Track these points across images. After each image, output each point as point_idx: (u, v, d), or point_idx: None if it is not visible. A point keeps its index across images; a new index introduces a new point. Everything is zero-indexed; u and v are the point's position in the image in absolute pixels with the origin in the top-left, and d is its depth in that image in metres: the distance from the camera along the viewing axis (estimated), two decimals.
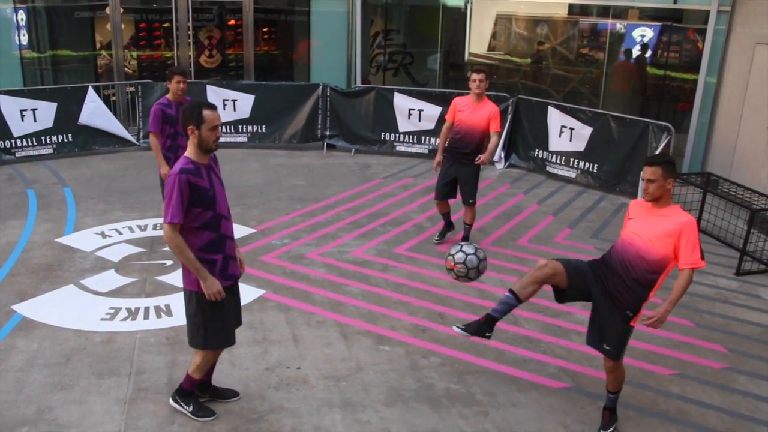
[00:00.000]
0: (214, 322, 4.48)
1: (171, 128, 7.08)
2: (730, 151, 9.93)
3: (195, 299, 4.43)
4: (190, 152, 4.35)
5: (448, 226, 8.06)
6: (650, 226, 4.47)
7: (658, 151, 9.59)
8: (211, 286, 4.32)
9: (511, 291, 4.73)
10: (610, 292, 4.59)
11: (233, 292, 4.63)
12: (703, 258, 4.37)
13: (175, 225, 4.21)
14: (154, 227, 7.72)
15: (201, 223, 4.30)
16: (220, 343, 4.60)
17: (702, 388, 5.41)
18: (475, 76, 7.34)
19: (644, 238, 4.46)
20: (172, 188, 4.19)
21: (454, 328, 4.94)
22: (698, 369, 5.68)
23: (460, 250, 4.98)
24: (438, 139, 7.95)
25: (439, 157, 7.63)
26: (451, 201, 7.91)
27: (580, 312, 6.48)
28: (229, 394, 5.01)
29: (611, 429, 4.84)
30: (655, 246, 4.42)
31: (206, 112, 4.28)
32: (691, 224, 4.37)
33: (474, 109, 7.38)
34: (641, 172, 9.66)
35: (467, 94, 7.60)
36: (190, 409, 4.74)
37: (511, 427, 4.84)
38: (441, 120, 11.17)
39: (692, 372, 5.62)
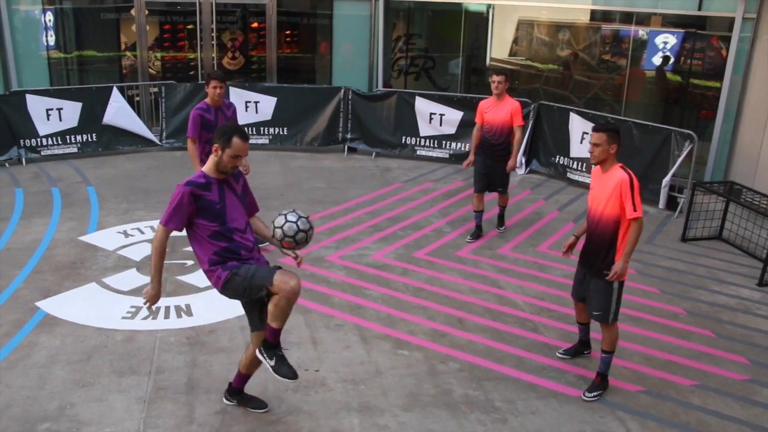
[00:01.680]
0: (263, 272, 4.40)
1: (209, 134, 7.03)
2: (753, 159, 9.83)
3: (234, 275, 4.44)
4: (207, 167, 4.49)
5: (480, 228, 8.37)
6: (601, 189, 5.10)
7: (680, 160, 9.52)
8: (151, 292, 4.47)
9: (577, 322, 5.74)
10: (589, 263, 5.23)
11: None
12: (636, 209, 4.92)
13: (167, 229, 4.37)
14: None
15: (210, 234, 4.42)
16: (272, 273, 4.38)
17: (723, 399, 5.36)
18: (495, 77, 7.88)
19: (598, 201, 5.10)
20: (175, 197, 4.35)
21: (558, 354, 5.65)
22: (720, 380, 5.62)
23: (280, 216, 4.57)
24: (469, 142, 8.70)
25: (471, 157, 8.12)
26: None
27: None
28: (258, 405, 4.99)
29: (595, 393, 5.20)
30: (606, 207, 5.03)
31: (236, 140, 4.38)
32: (625, 181, 4.95)
33: (497, 108, 7.94)
34: (663, 180, 9.64)
35: (489, 96, 8.18)
36: (273, 363, 4.59)
37: None
38: (462, 124, 11.36)
39: (713, 383, 5.57)
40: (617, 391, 5.39)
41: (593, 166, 5.24)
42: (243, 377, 4.94)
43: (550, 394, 5.31)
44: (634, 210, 4.93)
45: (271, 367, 4.60)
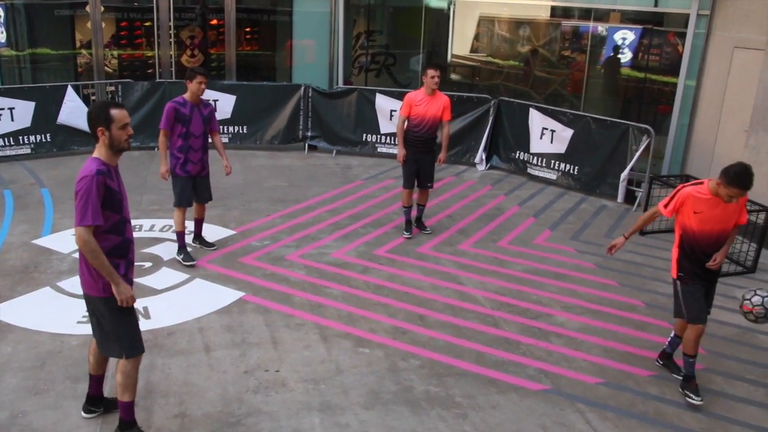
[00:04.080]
0: (129, 326, 4.36)
1: (183, 128, 7.05)
2: (708, 153, 10.00)
3: (109, 306, 4.26)
4: (100, 154, 4.21)
5: (411, 223, 8.36)
6: (725, 210, 5.12)
7: (638, 154, 9.64)
8: (124, 292, 4.21)
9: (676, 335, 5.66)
10: (716, 274, 5.36)
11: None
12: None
13: (91, 228, 4.08)
14: (134, 228, 7.64)
15: (109, 227, 4.19)
16: (135, 349, 4.42)
17: (679, 388, 5.44)
18: (433, 72, 7.84)
19: (722, 223, 5.21)
20: (88, 189, 4.05)
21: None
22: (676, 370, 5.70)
23: (755, 294, 5.14)
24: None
25: (403, 150, 8.03)
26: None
27: (560, 314, 6.52)
28: (112, 405, 4.80)
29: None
30: (729, 222, 5.25)
31: (114, 111, 4.20)
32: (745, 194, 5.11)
33: (430, 102, 7.90)
34: (621, 174, 9.75)
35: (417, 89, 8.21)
36: None
37: (490, 429, 4.84)
38: None
39: (670, 373, 5.64)
40: (576, 383, 5.43)
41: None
42: (98, 380, 4.75)
43: (510, 388, 5.33)
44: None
45: None
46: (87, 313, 5.86)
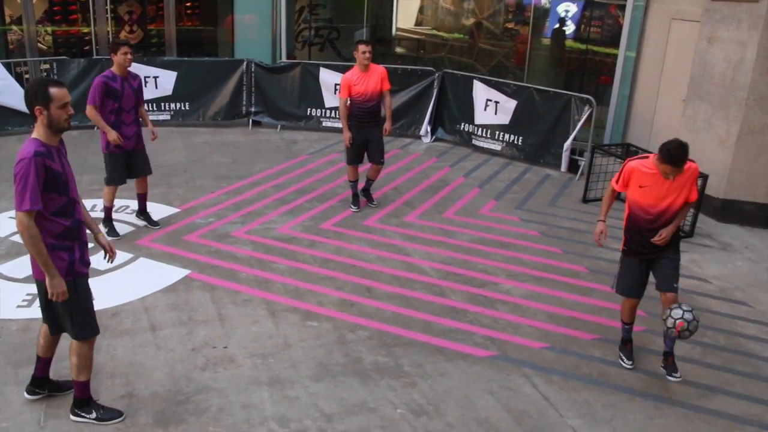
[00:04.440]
0: (82, 309, 4.28)
1: (115, 103, 6.83)
2: (648, 122, 10.21)
3: (72, 287, 4.16)
4: (39, 134, 4.05)
5: (358, 196, 8.35)
6: (671, 186, 5.00)
7: (580, 124, 9.79)
8: (58, 286, 4.05)
9: (625, 322, 5.49)
10: (658, 250, 5.18)
11: (87, 278, 4.41)
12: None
13: (32, 213, 3.92)
14: None
15: (56, 209, 4.04)
16: (93, 332, 4.37)
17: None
18: (365, 47, 7.84)
19: (669, 197, 5.04)
20: (27, 172, 3.87)
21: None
22: (619, 333, 5.81)
23: (680, 309, 4.96)
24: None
25: (348, 133, 7.96)
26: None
27: (506, 282, 6.61)
28: (67, 386, 4.74)
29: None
30: (677, 197, 5.08)
31: (53, 89, 4.03)
32: (695, 168, 5.07)
33: (367, 77, 7.87)
34: (564, 144, 9.89)
35: (352, 67, 8.12)
36: (94, 416, 4.49)
37: (439, 396, 4.90)
38: None
39: (613, 336, 5.78)
40: (522, 349, 5.53)
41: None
42: (46, 362, 4.66)
43: (458, 355, 5.40)
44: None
45: (95, 419, 4.46)
46: (29, 298, 5.75)
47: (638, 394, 5.06)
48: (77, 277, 4.21)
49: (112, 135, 6.81)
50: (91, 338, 4.39)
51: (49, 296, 4.10)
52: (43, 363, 4.64)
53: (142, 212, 7.55)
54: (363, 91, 7.85)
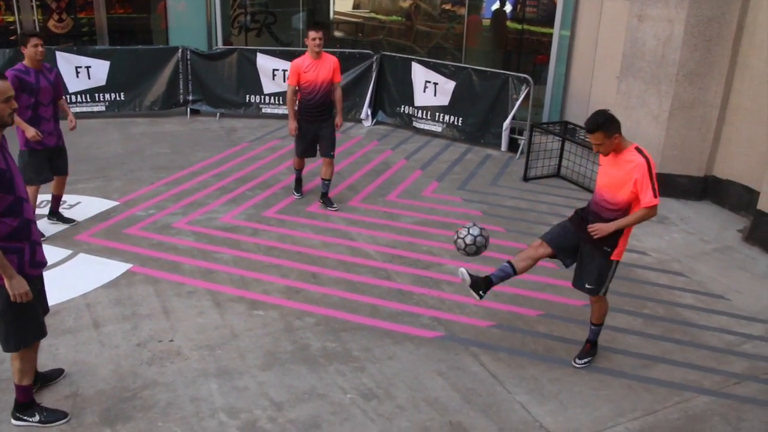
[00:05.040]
0: (26, 316, 4.12)
1: (31, 98, 6.45)
2: (585, 100, 10.40)
3: (2, 296, 3.99)
4: None
5: (301, 181, 8.22)
6: (611, 173, 4.77)
7: (518, 103, 9.91)
8: (18, 287, 3.90)
9: (509, 262, 5.14)
10: (589, 236, 4.87)
11: (40, 280, 4.31)
12: (656, 196, 4.62)
13: None
14: None
15: (3, 209, 3.86)
16: (36, 336, 4.27)
17: (566, 325, 5.71)
18: (316, 33, 7.47)
19: (608, 186, 4.78)
20: None
21: (462, 270, 5.11)
22: (562, 308, 5.98)
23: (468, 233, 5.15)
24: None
25: (294, 122, 7.66)
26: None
27: (451, 262, 6.67)
28: (56, 374, 4.76)
29: (586, 360, 5.19)
30: (619, 192, 4.72)
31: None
32: (640, 166, 4.61)
33: (319, 66, 7.53)
34: (504, 123, 10.00)
35: (302, 54, 7.81)
36: (37, 419, 4.39)
37: (388, 379, 4.93)
38: None
39: (557, 311, 5.91)
40: (469, 328, 5.60)
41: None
42: None
43: (405, 338, 5.44)
44: (655, 197, 4.61)
45: (38, 422, 4.37)
46: None
47: (583, 367, 5.18)
48: (28, 280, 4.01)
49: (30, 132, 6.37)
50: (34, 343, 4.31)
51: (12, 298, 3.92)
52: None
53: (54, 213, 7.24)
54: (313, 79, 7.49)
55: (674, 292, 6.36)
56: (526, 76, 9.96)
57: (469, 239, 5.11)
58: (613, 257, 4.90)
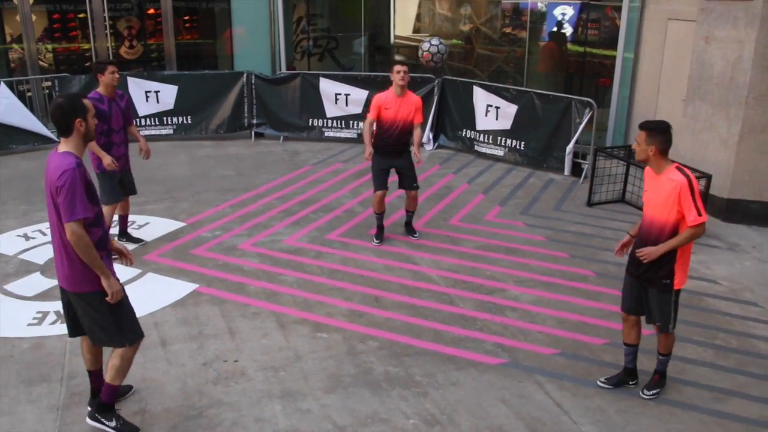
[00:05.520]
0: (127, 314, 4.40)
1: (104, 125, 6.70)
2: None
3: (100, 298, 4.23)
4: (70, 147, 4.12)
5: (383, 229, 7.69)
6: (654, 193, 4.67)
7: (581, 127, 9.81)
8: (115, 285, 4.21)
9: (624, 344, 5.19)
10: (642, 271, 4.79)
11: None
12: (701, 214, 4.51)
13: (81, 222, 4.02)
14: None
15: (93, 219, 4.13)
16: (137, 334, 4.48)
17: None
18: (400, 67, 7.20)
19: (653, 207, 4.67)
20: (74, 182, 3.97)
21: (598, 383, 5.17)
22: None
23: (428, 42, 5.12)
24: (363, 131, 7.60)
25: (370, 148, 7.32)
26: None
27: (514, 288, 6.61)
28: (125, 390, 4.90)
29: (655, 391, 5.07)
30: (663, 213, 4.61)
31: (86, 101, 4.19)
32: (683, 185, 4.50)
33: (401, 104, 7.26)
34: (567, 147, 9.91)
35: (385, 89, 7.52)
36: (113, 424, 4.52)
37: (451, 405, 4.90)
38: (368, 103, 11.13)
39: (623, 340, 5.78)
40: (533, 355, 5.53)
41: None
42: (97, 374, 4.71)
43: (469, 364, 5.40)
44: (699, 215, 4.49)
45: (113, 428, 4.49)
46: (39, 316, 5.77)
47: (651, 399, 5.05)
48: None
49: (107, 160, 6.65)
50: (138, 341, 4.49)
51: (108, 298, 4.19)
52: (96, 375, 4.70)
53: (123, 233, 7.49)
54: (392, 117, 7.22)
55: (747, 323, 6.15)
56: (589, 99, 9.87)
57: (433, 49, 5.13)
58: (675, 287, 4.78)
